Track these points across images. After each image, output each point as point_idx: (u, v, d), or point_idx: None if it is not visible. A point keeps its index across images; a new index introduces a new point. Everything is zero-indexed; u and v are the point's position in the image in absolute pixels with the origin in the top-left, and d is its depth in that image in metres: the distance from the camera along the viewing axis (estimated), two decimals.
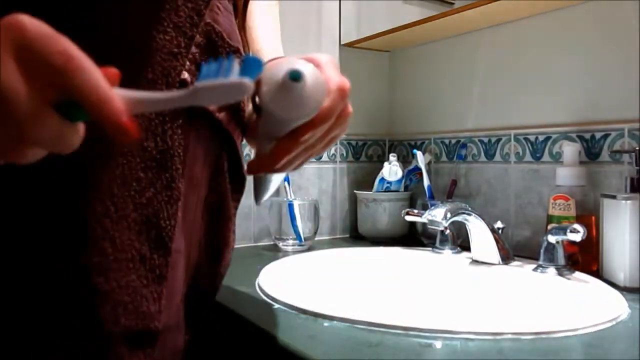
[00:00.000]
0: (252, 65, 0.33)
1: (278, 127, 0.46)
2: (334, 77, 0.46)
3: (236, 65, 0.33)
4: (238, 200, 0.57)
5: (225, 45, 0.49)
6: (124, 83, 0.39)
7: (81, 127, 0.32)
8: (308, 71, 0.43)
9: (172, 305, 0.47)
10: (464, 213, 0.85)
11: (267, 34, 0.63)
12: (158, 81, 0.43)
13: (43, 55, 0.28)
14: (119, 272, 0.42)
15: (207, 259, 0.54)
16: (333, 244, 1.16)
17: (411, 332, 0.55)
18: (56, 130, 0.30)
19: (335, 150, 1.25)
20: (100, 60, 0.40)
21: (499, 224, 0.89)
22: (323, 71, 0.46)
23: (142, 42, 0.42)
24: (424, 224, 0.97)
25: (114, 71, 0.31)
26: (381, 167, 1.17)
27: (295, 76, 0.41)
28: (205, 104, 0.35)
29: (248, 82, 0.32)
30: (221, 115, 0.50)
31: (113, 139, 0.30)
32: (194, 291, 0.52)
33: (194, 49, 0.45)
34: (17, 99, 0.28)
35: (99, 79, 0.29)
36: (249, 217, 1.12)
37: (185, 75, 0.44)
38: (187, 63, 0.45)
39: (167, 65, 0.43)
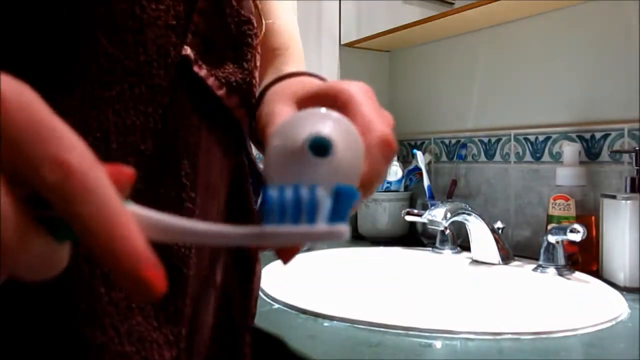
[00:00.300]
0: (344, 197, 0.22)
1: None
2: (375, 125, 0.30)
3: (322, 197, 0.22)
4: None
5: (233, 14, 0.40)
6: (110, 69, 0.33)
7: (68, 245, 0.21)
8: (338, 134, 0.27)
9: (197, 345, 0.39)
10: (464, 213, 0.85)
11: (283, 6, 0.53)
12: (154, 64, 0.35)
13: (30, 161, 0.18)
14: (117, 317, 0.33)
15: (236, 279, 0.45)
16: (333, 244, 1.16)
17: (411, 332, 0.55)
18: (41, 254, 0.20)
19: None
20: (79, 46, 0.32)
21: (499, 224, 0.89)
22: (357, 112, 0.31)
23: (129, 17, 0.34)
24: (424, 224, 0.97)
25: (127, 173, 0.21)
26: None
27: (319, 145, 0.26)
28: (271, 246, 0.24)
29: (343, 230, 0.22)
30: (231, 102, 0.40)
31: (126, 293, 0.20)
32: (225, 322, 0.44)
33: (195, 18, 0.37)
34: (3, 222, 0.18)
35: (111, 203, 0.19)
36: None
37: (188, 51, 0.36)
38: (189, 36, 0.36)
39: (164, 42, 0.35)
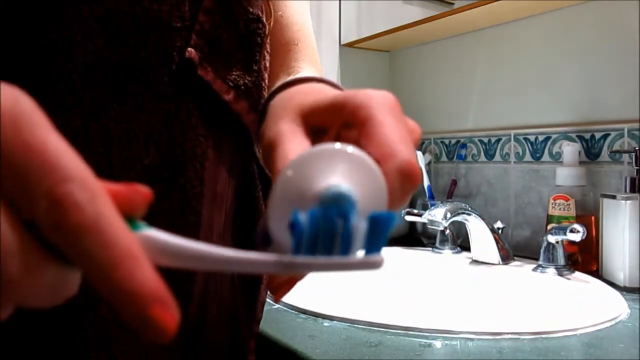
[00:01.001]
0: (380, 225, 0.20)
1: None
2: (396, 151, 0.25)
3: (357, 225, 0.20)
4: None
5: (242, 12, 0.37)
6: (110, 76, 0.31)
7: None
8: (356, 182, 0.23)
9: (205, 358, 0.39)
10: (463, 213, 0.85)
11: (294, 3, 0.49)
12: (157, 69, 0.33)
13: (27, 196, 0.17)
14: (124, 343, 0.32)
15: (242, 287, 0.43)
16: None
17: (411, 332, 0.55)
18: (52, 282, 0.19)
19: None
20: (76, 51, 0.30)
21: (499, 224, 0.89)
22: (376, 133, 0.26)
23: (130, 19, 0.31)
24: (424, 224, 0.97)
25: (143, 193, 0.19)
26: None
27: (333, 205, 0.21)
28: (297, 274, 0.23)
29: (379, 260, 0.21)
30: (240, 107, 0.38)
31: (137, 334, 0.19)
32: (231, 331, 0.42)
33: (201, 17, 0.34)
34: (6, 256, 0.17)
35: (113, 238, 0.17)
36: None
37: (192, 53, 0.34)
38: (194, 37, 0.34)
39: (167, 45, 0.33)
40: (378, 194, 0.24)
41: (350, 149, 0.23)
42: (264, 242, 0.25)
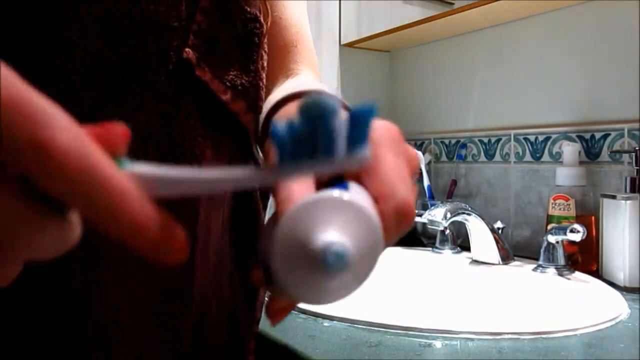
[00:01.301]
0: (360, 119, 0.21)
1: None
2: (394, 191, 0.26)
3: (338, 124, 0.20)
4: (266, 207, 0.45)
5: (239, 12, 0.37)
6: (109, 76, 0.31)
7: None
8: (355, 234, 0.24)
9: (204, 357, 0.39)
10: (463, 213, 0.85)
11: (292, 4, 0.49)
12: (155, 69, 0.33)
13: (11, 146, 0.17)
14: (123, 344, 0.33)
15: (242, 288, 0.43)
16: None
17: (411, 332, 0.55)
18: (53, 233, 0.19)
19: None
20: (75, 51, 0.30)
21: (499, 224, 0.89)
22: (376, 171, 0.27)
23: (129, 19, 0.32)
24: (424, 224, 0.97)
25: (118, 131, 0.19)
26: None
27: (334, 261, 0.22)
28: (283, 180, 0.24)
29: (364, 156, 0.21)
30: (237, 107, 0.38)
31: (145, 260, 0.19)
32: (230, 332, 0.42)
33: (198, 17, 0.34)
34: (5, 214, 0.17)
35: (104, 177, 0.17)
36: None
37: (190, 54, 0.34)
38: (191, 37, 0.34)
39: (165, 45, 0.33)
40: (374, 240, 0.24)
41: (347, 196, 0.24)
42: (266, 281, 0.25)
